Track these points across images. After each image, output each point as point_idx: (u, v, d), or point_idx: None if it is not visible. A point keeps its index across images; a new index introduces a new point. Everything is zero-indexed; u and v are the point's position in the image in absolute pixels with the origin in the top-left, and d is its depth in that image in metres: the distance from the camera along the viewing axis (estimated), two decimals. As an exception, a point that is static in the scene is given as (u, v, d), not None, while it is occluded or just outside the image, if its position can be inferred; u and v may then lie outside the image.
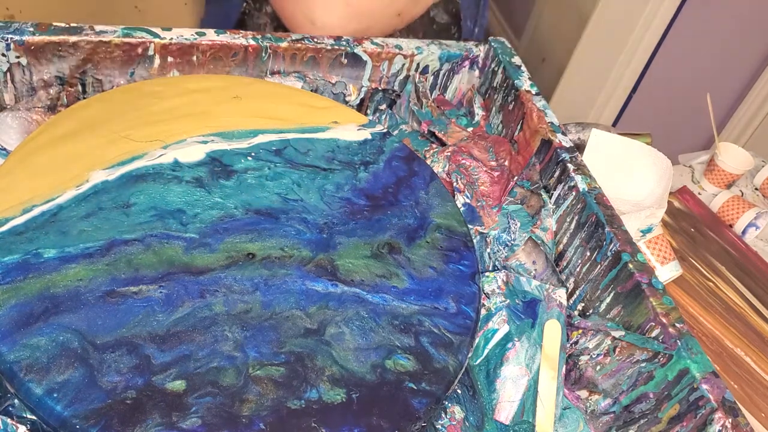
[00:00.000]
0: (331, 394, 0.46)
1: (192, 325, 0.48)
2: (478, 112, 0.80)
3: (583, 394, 0.60)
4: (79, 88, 0.67)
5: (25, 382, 0.43)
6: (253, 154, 0.61)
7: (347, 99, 0.77)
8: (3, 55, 0.62)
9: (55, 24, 0.64)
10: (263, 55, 0.71)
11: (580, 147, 0.90)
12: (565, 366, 0.58)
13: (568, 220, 0.66)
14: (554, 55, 1.79)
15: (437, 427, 0.52)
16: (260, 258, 0.53)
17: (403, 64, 0.77)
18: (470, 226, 0.65)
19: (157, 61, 0.68)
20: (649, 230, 0.83)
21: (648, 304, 0.57)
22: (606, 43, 1.66)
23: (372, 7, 0.85)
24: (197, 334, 0.47)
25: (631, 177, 0.85)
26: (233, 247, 0.53)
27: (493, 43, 0.80)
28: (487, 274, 0.61)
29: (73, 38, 0.64)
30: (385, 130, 0.68)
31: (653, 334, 0.56)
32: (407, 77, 0.78)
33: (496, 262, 0.65)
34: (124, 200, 0.54)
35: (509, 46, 0.81)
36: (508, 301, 0.60)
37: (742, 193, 1.16)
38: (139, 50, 0.66)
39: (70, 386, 0.43)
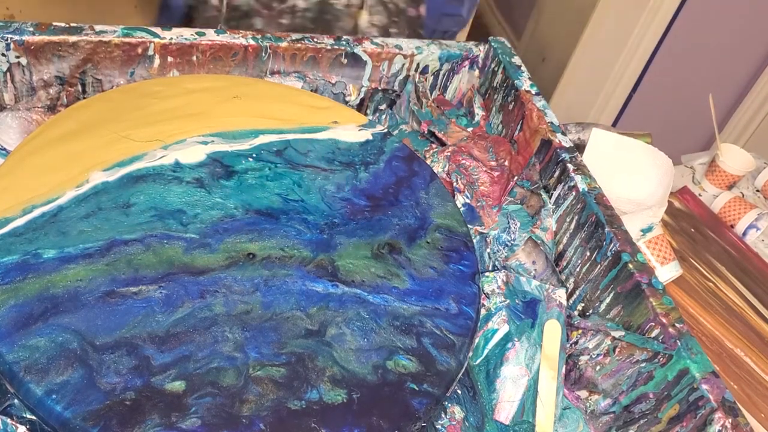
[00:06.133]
0: (331, 395, 0.46)
1: (192, 325, 0.48)
2: (478, 112, 0.80)
3: (583, 394, 0.60)
4: (79, 88, 0.67)
5: (25, 383, 0.43)
6: (254, 155, 0.61)
7: (347, 99, 0.77)
8: (3, 55, 0.62)
9: (55, 24, 0.64)
10: (263, 55, 0.71)
11: (580, 147, 0.90)
12: (565, 366, 0.58)
13: (568, 220, 0.66)
14: (554, 55, 1.78)
15: (437, 427, 0.52)
16: (260, 258, 0.53)
17: (403, 64, 0.77)
18: (470, 226, 0.65)
19: (157, 61, 0.68)
20: (649, 229, 0.83)
21: (648, 304, 0.57)
22: (606, 43, 1.66)
23: None
24: (197, 335, 0.47)
25: (632, 176, 0.85)
26: (233, 247, 0.53)
27: (493, 43, 0.80)
28: (487, 274, 0.61)
29: (73, 38, 0.63)
30: (385, 131, 0.68)
31: (653, 334, 0.56)
32: (407, 77, 0.78)
33: (496, 262, 0.65)
34: (124, 201, 0.54)
35: (509, 46, 0.81)
36: (508, 301, 0.60)
37: (743, 195, 1.16)
38: (139, 50, 0.66)
39: (69, 387, 0.43)
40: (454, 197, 0.67)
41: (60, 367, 0.43)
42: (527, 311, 0.59)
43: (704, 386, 0.52)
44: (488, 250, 0.65)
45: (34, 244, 0.49)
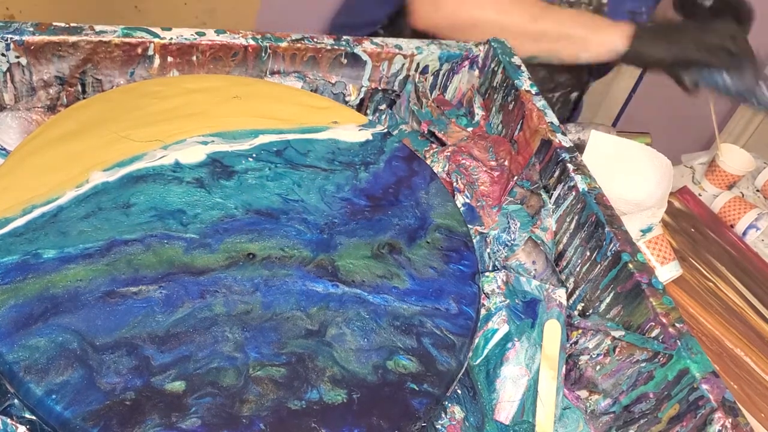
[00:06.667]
0: (331, 395, 0.46)
1: (192, 325, 0.48)
2: (478, 112, 0.80)
3: (583, 394, 0.60)
4: (79, 88, 0.67)
5: (25, 383, 0.43)
6: (254, 155, 0.61)
7: (347, 99, 0.77)
8: (3, 55, 0.62)
9: (55, 24, 0.64)
10: (263, 55, 0.71)
11: (580, 147, 0.90)
12: (565, 366, 0.58)
13: (567, 220, 0.66)
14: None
15: (437, 427, 0.52)
16: (260, 258, 0.53)
17: (403, 64, 0.77)
18: (470, 226, 0.65)
19: (156, 61, 0.68)
20: (649, 229, 0.83)
21: (648, 304, 0.57)
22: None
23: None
24: (197, 335, 0.47)
25: (631, 178, 0.85)
26: (233, 247, 0.53)
27: (492, 43, 0.80)
28: (487, 274, 0.61)
29: (73, 38, 0.63)
30: (385, 131, 0.68)
31: (653, 334, 0.56)
32: (407, 77, 0.78)
33: (496, 262, 0.65)
34: (124, 201, 0.54)
35: (509, 45, 0.81)
36: (507, 301, 0.60)
37: (743, 195, 1.16)
38: (139, 50, 0.66)
39: (69, 387, 0.43)
40: (454, 197, 0.67)
41: (60, 367, 0.43)
42: (527, 311, 0.59)
43: (704, 386, 0.52)
44: (488, 250, 0.65)
45: (34, 244, 0.49)
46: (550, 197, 0.69)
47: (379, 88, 0.78)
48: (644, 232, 0.83)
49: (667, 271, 0.84)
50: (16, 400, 0.45)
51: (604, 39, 0.90)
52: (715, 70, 0.90)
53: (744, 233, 1.03)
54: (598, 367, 0.59)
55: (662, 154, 0.87)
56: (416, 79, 0.78)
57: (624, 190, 0.84)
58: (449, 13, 0.89)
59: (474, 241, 0.64)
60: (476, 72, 0.81)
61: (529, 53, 0.89)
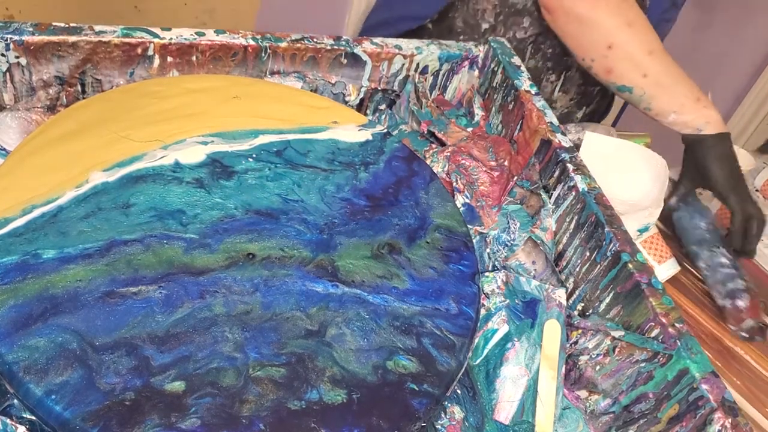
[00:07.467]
0: (331, 395, 0.46)
1: (192, 326, 0.48)
2: (478, 112, 0.80)
3: (583, 394, 0.60)
4: (79, 88, 0.67)
5: (25, 383, 0.43)
6: (254, 155, 0.61)
7: (347, 99, 0.77)
8: (2, 55, 0.62)
9: (54, 24, 0.64)
10: (263, 55, 0.71)
11: (579, 147, 0.90)
12: (564, 366, 0.58)
13: (567, 220, 0.66)
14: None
15: (437, 427, 0.52)
16: (260, 258, 0.53)
17: (403, 64, 0.77)
18: (470, 226, 0.65)
19: (156, 61, 0.68)
20: (645, 229, 0.83)
21: (648, 304, 0.57)
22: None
23: None
24: (197, 335, 0.47)
25: (625, 178, 0.85)
26: (233, 247, 0.53)
27: (492, 44, 0.80)
28: (486, 274, 0.61)
29: (72, 38, 0.63)
30: (385, 131, 0.68)
31: (653, 334, 0.56)
32: (407, 77, 0.78)
33: (496, 262, 0.65)
34: (123, 201, 0.54)
35: (509, 46, 0.81)
36: (507, 301, 0.60)
37: (742, 194, 1.16)
38: (139, 50, 0.66)
39: (69, 387, 0.43)
40: (453, 197, 0.67)
41: (59, 368, 0.43)
42: (527, 311, 0.59)
43: (704, 386, 0.52)
44: (488, 250, 0.65)
45: (33, 245, 0.49)
46: (549, 197, 0.69)
47: (379, 88, 0.78)
48: (641, 231, 0.83)
49: (665, 269, 0.84)
50: (15, 400, 0.45)
51: (708, 112, 0.86)
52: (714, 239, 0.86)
53: (743, 233, 1.03)
54: (597, 367, 0.59)
55: (656, 154, 0.87)
56: (416, 79, 0.78)
57: (618, 190, 0.84)
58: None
59: (474, 241, 0.64)
60: (476, 72, 0.81)
61: (630, 84, 0.84)
